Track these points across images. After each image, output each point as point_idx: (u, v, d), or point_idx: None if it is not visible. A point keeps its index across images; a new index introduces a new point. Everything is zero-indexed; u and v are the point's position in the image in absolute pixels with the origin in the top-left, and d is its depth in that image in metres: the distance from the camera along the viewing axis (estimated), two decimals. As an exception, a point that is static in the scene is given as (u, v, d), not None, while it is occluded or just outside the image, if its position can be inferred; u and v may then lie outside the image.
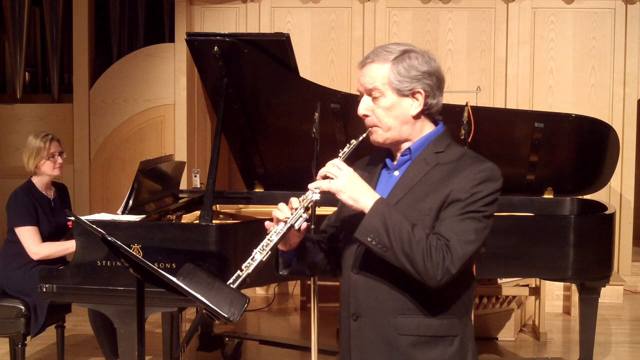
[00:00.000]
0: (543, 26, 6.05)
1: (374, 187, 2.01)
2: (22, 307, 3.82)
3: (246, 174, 4.72)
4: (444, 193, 1.88)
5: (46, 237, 3.95)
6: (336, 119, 4.19)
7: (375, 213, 1.86)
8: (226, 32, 4.27)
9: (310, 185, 1.95)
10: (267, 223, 2.01)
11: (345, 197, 1.90)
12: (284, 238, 1.97)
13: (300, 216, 1.95)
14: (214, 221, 3.45)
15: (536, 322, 5.05)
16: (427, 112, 1.99)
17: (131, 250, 2.46)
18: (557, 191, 4.43)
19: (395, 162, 2.04)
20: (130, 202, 3.70)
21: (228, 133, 4.50)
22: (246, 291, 2.90)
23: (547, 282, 5.01)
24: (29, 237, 3.88)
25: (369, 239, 1.85)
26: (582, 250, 3.74)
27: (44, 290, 3.34)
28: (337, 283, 5.15)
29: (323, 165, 1.97)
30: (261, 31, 6.06)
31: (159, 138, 6.18)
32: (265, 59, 3.96)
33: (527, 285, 4.94)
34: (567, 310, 5.61)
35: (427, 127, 2.01)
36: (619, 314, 5.64)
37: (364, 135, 2.03)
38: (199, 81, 5.91)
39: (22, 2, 6.48)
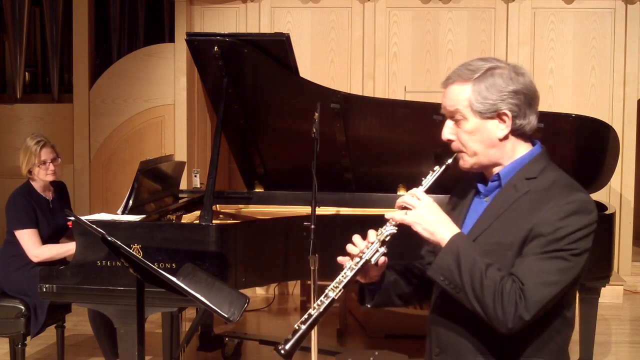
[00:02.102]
0: (543, 26, 6.05)
1: (464, 216, 1.89)
2: (22, 307, 3.82)
3: (246, 174, 4.72)
4: (527, 227, 1.72)
5: (46, 238, 3.95)
6: (336, 119, 4.19)
7: (450, 250, 1.74)
8: (226, 32, 4.27)
9: (387, 216, 1.84)
10: (339, 258, 1.89)
11: (420, 229, 1.79)
12: (359, 274, 1.86)
13: (377, 250, 1.84)
14: (214, 221, 3.45)
15: (536, 322, 5.04)
16: (517, 133, 1.82)
17: (131, 250, 2.46)
18: (557, 191, 4.42)
19: (486, 187, 1.89)
20: (130, 202, 3.70)
21: (228, 133, 4.49)
22: (246, 291, 2.90)
23: (547, 282, 5.00)
24: (28, 240, 3.87)
25: (441, 278, 1.75)
26: (582, 250, 3.74)
27: (44, 290, 3.34)
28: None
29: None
30: (261, 31, 6.06)
31: (159, 138, 6.18)
32: (265, 59, 3.96)
33: (527, 285, 4.93)
34: (567, 310, 5.61)
35: (520, 149, 1.84)
36: (619, 314, 5.63)
37: (449, 161, 1.89)
38: (199, 81, 5.91)
39: (22, 2, 6.48)
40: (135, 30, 6.77)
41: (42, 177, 4.00)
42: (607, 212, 3.97)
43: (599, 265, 3.88)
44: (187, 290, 2.28)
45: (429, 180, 1.88)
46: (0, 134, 6.39)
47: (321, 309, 1.81)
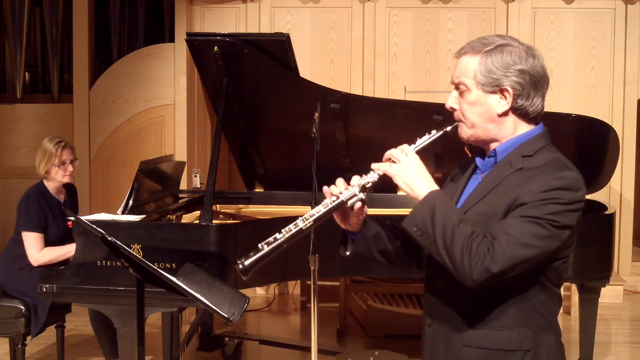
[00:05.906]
0: (543, 26, 6.05)
1: (461, 192, 1.92)
2: (22, 307, 3.81)
3: (246, 174, 4.72)
4: (512, 197, 1.74)
5: (55, 240, 3.95)
6: (336, 119, 4.20)
7: (426, 203, 1.76)
8: (226, 32, 4.27)
9: (372, 166, 1.89)
10: (324, 188, 1.94)
11: (400, 182, 1.82)
12: (331, 212, 1.89)
13: (355, 195, 1.88)
14: (214, 221, 3.45)
15: (536, 322, 5.04)
16: (519, 113, 1.84)
17: (131, 250, 2.46)
18: (557, 191, 4.42)
19: (484, 162, 1.92)
20: (130, 202, 3.70)
21: (228, 133, 4.50)
22: (246, 291, 2.91)
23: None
24: (32, 243, 3.87)
25: (414, 229, 1.77)
26: (582, 250, 3.74)
27: (44, 290, 3.34)
28: (337, 283, 5.15)
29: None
30: (261, 31, 6.06)
31: (159, 138, 6.18)
32: (265, 59, 3.96)
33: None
34: (567, 310, 5.61)
35: (521, 128, 1.86)
36: (619, 314, 5.63)
37: (447, 128, 1.91)
38: (199, 81, 5.91)
39: (22, 2, 6.48)
40: (135, 30, 6.77)
41: (59, 178, 4.00)
42: (607, 212, 3.97)
43: (599, 265, 3.88)
44: (187, 290, 2.29)
45: (422, 141, 1.91)
46: (0, 134, 6.39)
47: (287, 236, 1.85)
